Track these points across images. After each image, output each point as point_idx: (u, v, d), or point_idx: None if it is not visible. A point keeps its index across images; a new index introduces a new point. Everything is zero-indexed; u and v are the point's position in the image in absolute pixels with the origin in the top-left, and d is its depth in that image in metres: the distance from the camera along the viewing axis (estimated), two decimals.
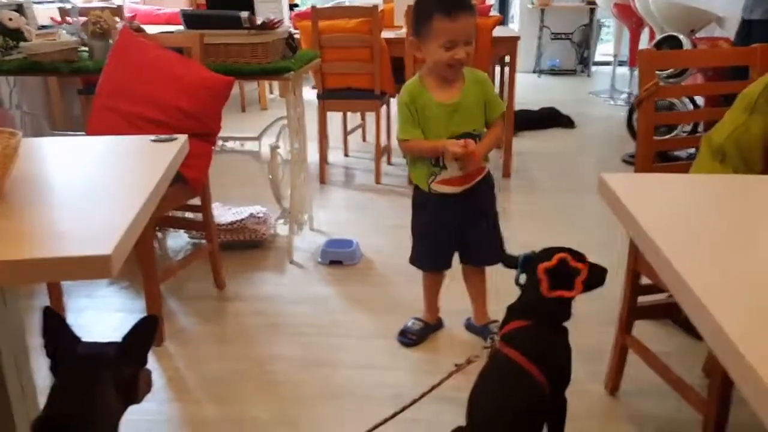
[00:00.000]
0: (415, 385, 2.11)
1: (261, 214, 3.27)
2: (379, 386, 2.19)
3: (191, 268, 2.83)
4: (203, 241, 2.93)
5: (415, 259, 2.41)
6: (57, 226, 1.09)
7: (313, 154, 3.93)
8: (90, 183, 1.30)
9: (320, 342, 2.46)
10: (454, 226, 2.29)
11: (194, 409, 2.11)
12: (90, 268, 0.95)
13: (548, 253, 1.64)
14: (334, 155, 4.64)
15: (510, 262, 1.72)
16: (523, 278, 1.66)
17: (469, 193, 2.24)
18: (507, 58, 4.35)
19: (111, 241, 0.97)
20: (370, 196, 4.05)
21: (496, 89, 4.20)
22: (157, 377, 2.23)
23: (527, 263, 1.66)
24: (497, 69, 4.67)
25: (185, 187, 2.51)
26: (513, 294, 1.71)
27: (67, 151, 1.57)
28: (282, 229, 3.34)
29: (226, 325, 2.61)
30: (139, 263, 2.37)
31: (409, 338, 2.43)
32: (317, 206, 3.65)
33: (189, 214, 2.96)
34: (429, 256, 2.39)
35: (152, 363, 2.30)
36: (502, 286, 2.14)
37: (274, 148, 3.21)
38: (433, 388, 1.70)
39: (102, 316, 2.67)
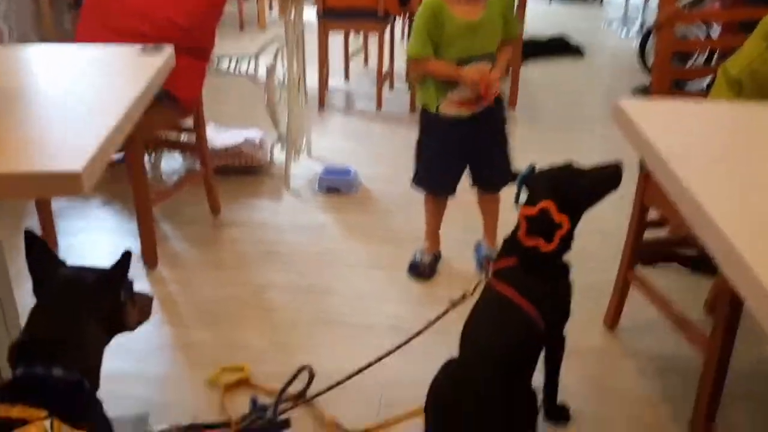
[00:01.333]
0: (411, 316, 2.09)
1: (257, 140, 3.17)
2: (375, 315, 2.16)
3: (186, 192, 2.76)
4: (198, 165, 2.85)
5: (419, 181, 2.32)
6: (28, 140, 1.01)
7: (312, 78, 3.80)
8: (67, 95, 1.21)
9: (316, 270, 2.42)
10: (463, 150, 2.23)
11: (186, 333, 2.09)
12: (60, 184, 0.89)
13: (545, 177, 1.55)
14: (335, 80, 4.48)
15: (511, 176, 1.66)
16: (523, 197, 1.58)
17: (480, 116, 2.16)
18: None
19: (82, 157, 0.90)
20: (370, 124, 3.94)
21: None
22: None
23: (526, 181, 1.57)
24: None
25: (177, 107, 2.42)
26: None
27: (47, 61, 1.47)
28: (279, 155, 3.25)
29: (221, 250, 2.56)
30: (131, 184, 2.30)
31: (423, 272, 2.37)
32: (316, 132, 3.55)
33: (184, 137, 2.87)
34: (434, 179, 2.32)
35: (144, 286, 2.28)
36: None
37: (271, 69, 3.09)
38: (429, 325, 1.66)
39: (95, 237, 2.62)
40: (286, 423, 1.67)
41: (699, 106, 1.35)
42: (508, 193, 2.13)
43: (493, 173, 2.28)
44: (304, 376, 1.79)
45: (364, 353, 1.75)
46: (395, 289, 2.31)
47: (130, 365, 1.90)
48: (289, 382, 1.76)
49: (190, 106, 2.48)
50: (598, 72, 5.19)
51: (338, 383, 1.72)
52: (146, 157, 2.99)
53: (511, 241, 1.57)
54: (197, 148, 2.69)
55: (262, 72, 3.22)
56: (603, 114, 3.73)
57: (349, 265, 2.45)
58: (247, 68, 3.28)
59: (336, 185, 3.00)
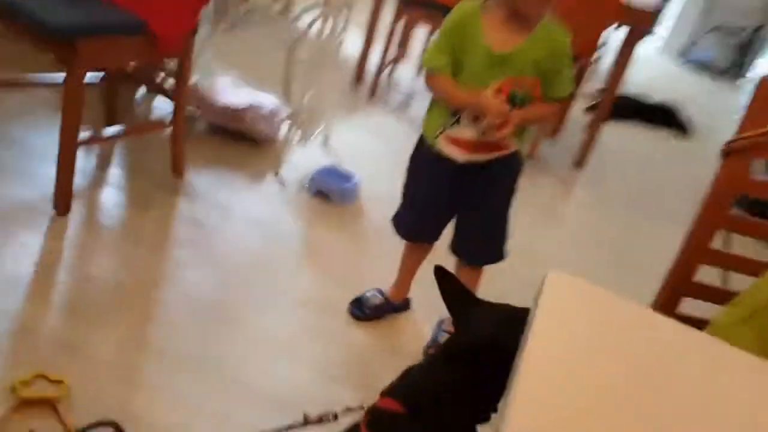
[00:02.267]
0: (310, 391, 1.64)
1: (266, 109, 2.74)
2: (265, 375, 1.70)
3: (163, 141, 2.35)
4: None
5: (396, 223, 1.91)
6: None
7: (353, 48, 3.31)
8: None
9: (237, 285, 1.98)
10: (453, 200, 1.78)
11: (35, 311, 1.70)
12: None
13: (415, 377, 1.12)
14: (405, 71, 3.92)
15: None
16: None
17: (475, 167, 1.69)
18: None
19: None
20: (405, 126, 3.37)
21: (611, 58, 3.43)
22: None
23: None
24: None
25: (152, 43, 2.01)
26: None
27: None
28: (289, 134, 2.82)
29: (151, 221, 2.16)
30: (62, 109, 1.91)
31: (363, 311, 1.96)
32: (343, 124, 3.10)
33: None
34: (411, 224, 1.90)
35: (38, 233, 1.91)
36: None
37: (304, 30, 2.62)
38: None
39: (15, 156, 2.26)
40: None
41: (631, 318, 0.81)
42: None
43: (476, 244, 1.83)
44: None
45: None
46: (311, 347, 1.84)
47: None
48: None
49: (166, 48, 2.06)
50: (699, 160, 4.46)
51: None
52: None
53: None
54: (174, 97, 2.29)
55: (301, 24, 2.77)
56: (682, 211, 3.11)
57: (279, 292, 2.00)
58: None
59: (327, 191, 2.55)
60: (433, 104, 1.73)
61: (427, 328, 1.98)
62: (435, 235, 1.88)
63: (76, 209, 2.05)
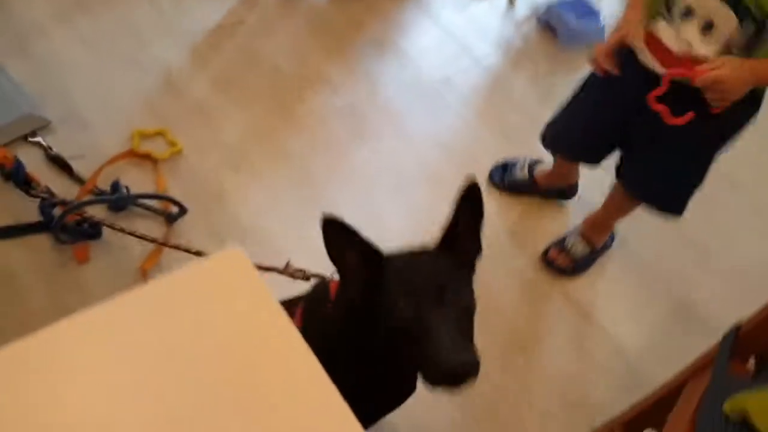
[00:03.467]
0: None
1: None
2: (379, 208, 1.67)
3: None
4: None
5: (546, 133, 1.53)
6: None
7: None
8: None
9: (409, 102, 1.88)
10: (627, 108, 1.29)
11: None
12: None
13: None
14: None
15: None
16: None
17: (673, 93, 1.13)
18: None
19: None
20: None
21: None
22: None
23: None
24: None
25: None
26: None
27: None
28: None
29: (352, 15, 2.08)
30: None
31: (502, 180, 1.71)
32: None
33: None
34: (565, 135, 1.50)
35: None
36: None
37: None
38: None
39: None
40: (98, 230, 1.44)
41: None
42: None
43: (653, 181, 1.39)
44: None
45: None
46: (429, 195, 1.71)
47: None
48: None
49: None
50: None
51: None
52: None
53: None
54: None
55: None
56: None
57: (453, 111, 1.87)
58: None
59: (556, 25, 2.17)
60: None
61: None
62: (598, 157, 1.47)
63: None
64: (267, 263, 1.38)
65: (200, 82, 1.80)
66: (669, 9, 1.13)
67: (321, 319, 0.94)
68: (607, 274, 1.61)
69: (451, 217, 0.84)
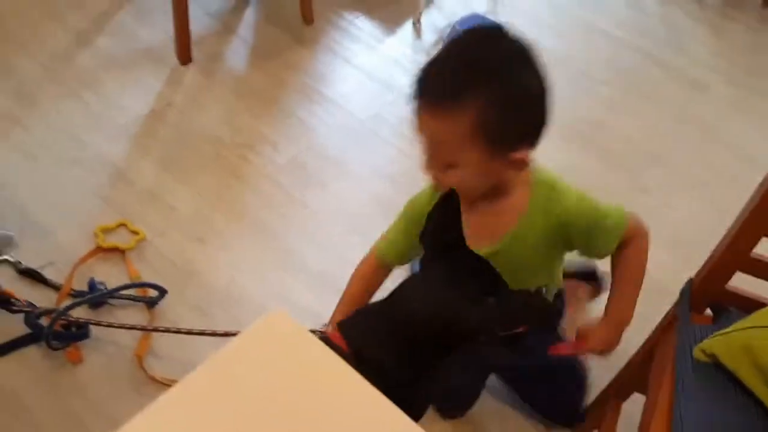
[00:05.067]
0: None
1: None
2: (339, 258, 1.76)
3: None
4: None
5: None
6: None
7: None
8: None
9: (343, 149, 1.99)
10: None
11: (138, 158, 1.89)
12: None
13: None
14: None
15: None
16: None
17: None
18: None
19: None
20: None
21: None
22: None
23: None
24: None
25: None
26: None
27: None
28: None
29: (273, 74, 2.19)
30: None
31: None
32: None
33: None
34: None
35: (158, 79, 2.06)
36: None
37: None
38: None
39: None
40: (85, 331, 1.48)
41: None
42: None
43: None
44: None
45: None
46: None
47: None
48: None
49: None
50: None
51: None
52: None
53: None
54: None
55: None
56: None
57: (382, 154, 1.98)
58: None
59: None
60: None
61: None
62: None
63: (199, 58, 2.16)
64: (251, 322, 1.46)
65: (145, 167, 1.87)
66: None
67: None
68: None
69: None
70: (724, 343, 0.93)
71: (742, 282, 1.04)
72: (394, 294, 1.09)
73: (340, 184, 1.89)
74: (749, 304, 1.01)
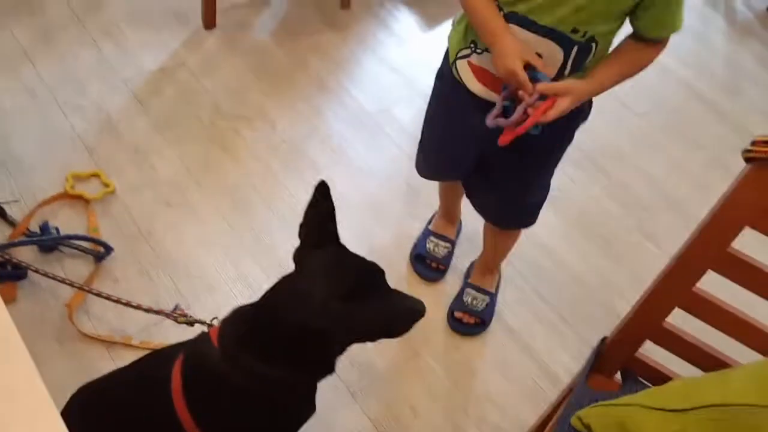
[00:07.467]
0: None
1: None
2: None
3: None
4: None
5: (417, 162, 1.51)
6: None
7: None
8: None
9: (345, 138, 1.92)
10: (472, 137, 1.26)
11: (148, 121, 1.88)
12: None
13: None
14: None
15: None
16: None
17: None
18: None
19: None
20: None
21: None
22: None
23: None
24: None
25: None
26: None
27: None
28: None
29: (294, 54, 2.14)
30: None
31: (433, 269, 1.66)
32: None
33: None
34: (429, 160, 1.47)
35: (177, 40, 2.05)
36: None
37: None
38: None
39: None
40: (23, 272, 1.47)
41: None
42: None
43: (498, 205, 1.41)
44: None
45: None
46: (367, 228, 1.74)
47: None
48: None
49: None
50: None
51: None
52: None
53: None
54: None
55: None
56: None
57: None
58: None
59: None
60: (461, 19, 1.17)
61: None
62: (460, 173, 1.41)
63: (225, 24, 2.14)
64: (195, 300, 1.42)
65: (139, 124, 1.85)
66: (476, 43, 1.13)
67: (208, 372, 0.97)
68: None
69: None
70: (603, 415, 0.80)
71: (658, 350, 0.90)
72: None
73: (333, 174, 1.80)
74: (657, 376, 0.87)
